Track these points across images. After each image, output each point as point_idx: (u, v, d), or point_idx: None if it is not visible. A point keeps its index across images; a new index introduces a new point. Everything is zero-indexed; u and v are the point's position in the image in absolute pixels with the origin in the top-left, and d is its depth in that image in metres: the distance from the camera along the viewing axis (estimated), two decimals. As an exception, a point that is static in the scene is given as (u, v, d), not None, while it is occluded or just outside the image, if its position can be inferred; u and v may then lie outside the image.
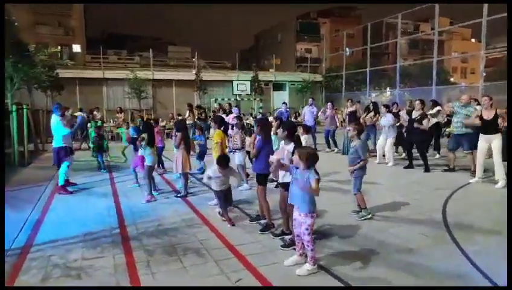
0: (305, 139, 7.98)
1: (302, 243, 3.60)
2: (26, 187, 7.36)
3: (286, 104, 14.38)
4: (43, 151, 12.60)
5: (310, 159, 3.52)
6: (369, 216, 5.01)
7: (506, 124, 7.84)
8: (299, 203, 3.62)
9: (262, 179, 4.72)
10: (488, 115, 7.02)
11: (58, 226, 4.89)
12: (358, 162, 5.03)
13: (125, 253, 3.98)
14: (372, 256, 3.87)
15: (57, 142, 6.93)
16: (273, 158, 3.95)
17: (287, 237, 4.24)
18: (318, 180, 3.47)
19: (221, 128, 6.59)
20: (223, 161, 5.02)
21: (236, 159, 6.97)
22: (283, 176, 4.16)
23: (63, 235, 4.54)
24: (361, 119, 10.05)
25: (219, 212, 5.14)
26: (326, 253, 3.94)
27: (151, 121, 9.78)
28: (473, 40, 48.66)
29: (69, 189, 6.84)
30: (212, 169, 5.06)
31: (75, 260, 3.79)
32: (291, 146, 4.16)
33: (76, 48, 37.91)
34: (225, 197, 5.03)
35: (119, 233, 4.64)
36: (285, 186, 4.09)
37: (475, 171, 7.51)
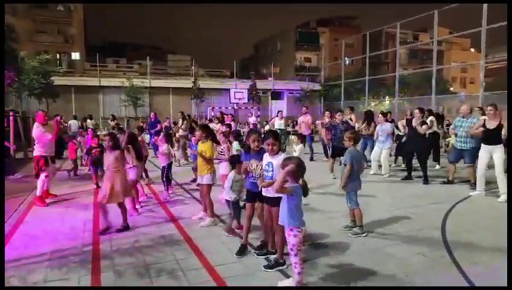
0: (300, 149, 7.70)
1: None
2: (5, 198, 6.98)
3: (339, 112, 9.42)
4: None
5: (297, 172, 3.30)
6: (364, 235, 4.65)
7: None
8: (281, 216, 3.37)
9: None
10: (492, 124, 6.75)
11: (27, 242, 4.53)
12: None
13: (92, 274, 3.62)
14: (364, 278, 3.51)
15: (36, 150, 6.60)
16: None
17: (272, 257, 3.88)
18: (290, 190, 3.25)
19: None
20: (236, 161, 4.83)
21: (221, 169, 6.56)
22: (266, 190, 3.81)
23: (30, 252, 4.18)
24: (356, 129, 9.66)
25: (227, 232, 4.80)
26: (313, 274, 3.58)
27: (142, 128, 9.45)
28: (472, 50, 48.71)
29: (47, 201, 6.47)
30: (229, 177, 4.83)
31: (35, 283, 3.43)
32: (281, 157, 3.81)
33: (76, 55, 37.79)
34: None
35: (90, 250, 4.27)
36: (270, 201, 3.76)
37: (475, 183, 7.26)
